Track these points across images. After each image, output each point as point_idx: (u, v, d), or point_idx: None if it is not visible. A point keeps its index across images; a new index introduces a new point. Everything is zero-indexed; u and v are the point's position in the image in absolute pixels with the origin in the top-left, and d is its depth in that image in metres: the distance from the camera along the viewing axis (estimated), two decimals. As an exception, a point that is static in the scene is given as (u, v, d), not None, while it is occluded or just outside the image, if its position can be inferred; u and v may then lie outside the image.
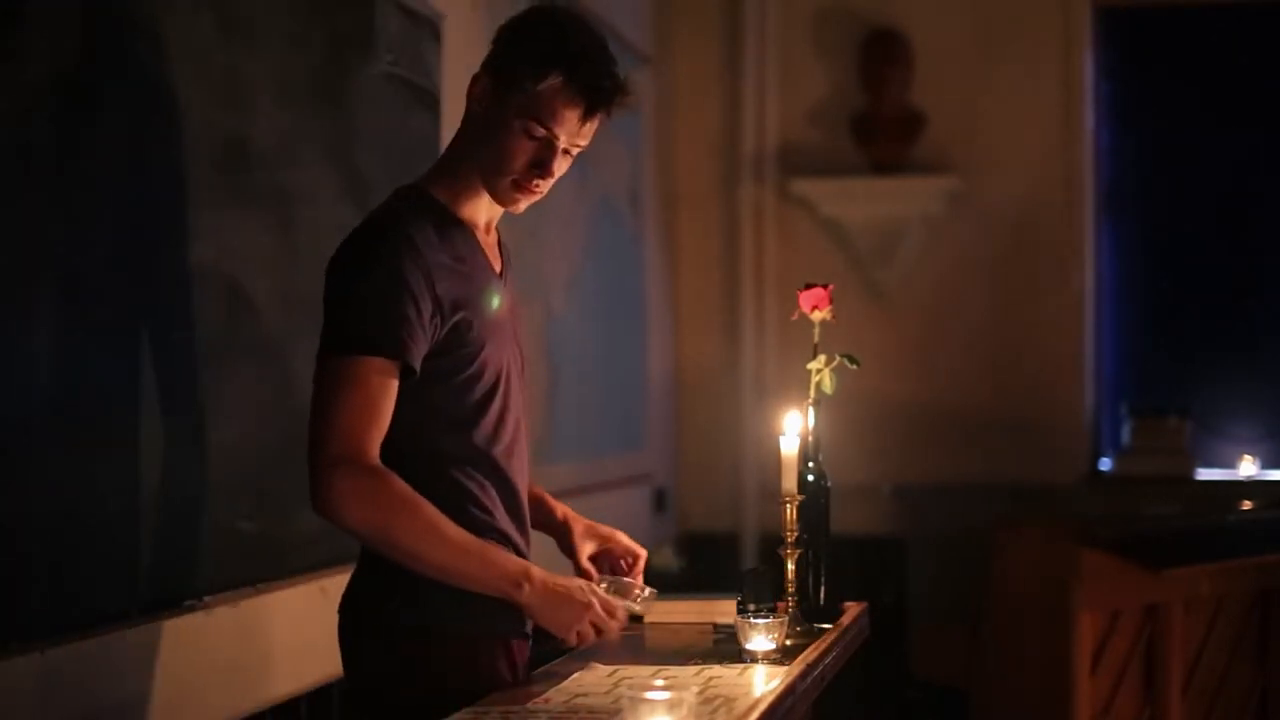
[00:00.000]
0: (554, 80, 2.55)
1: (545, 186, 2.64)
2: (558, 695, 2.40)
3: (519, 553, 2.69)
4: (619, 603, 2.66)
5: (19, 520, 2.55)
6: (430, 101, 3.97)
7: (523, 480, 2.76)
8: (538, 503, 2.89)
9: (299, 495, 3.33)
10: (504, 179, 2.61)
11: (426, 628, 2.57)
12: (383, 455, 2.51)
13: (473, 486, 2.63)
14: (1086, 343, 6.45)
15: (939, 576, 6.31)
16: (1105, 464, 6.50)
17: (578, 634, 2.58)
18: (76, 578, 2.71)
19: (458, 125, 2.71)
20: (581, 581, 2.68)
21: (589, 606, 2.58)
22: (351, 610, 2.66)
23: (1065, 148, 6.42)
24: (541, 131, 2.57)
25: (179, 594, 3.02)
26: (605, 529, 2.93)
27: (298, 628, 3.37)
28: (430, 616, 2.56)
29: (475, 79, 2.64)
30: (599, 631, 2.60)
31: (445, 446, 2.61)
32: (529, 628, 2.67)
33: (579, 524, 2.93)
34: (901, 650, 6.24)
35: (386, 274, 2.49)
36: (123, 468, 2.84)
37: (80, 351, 2.71)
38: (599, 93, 2.58)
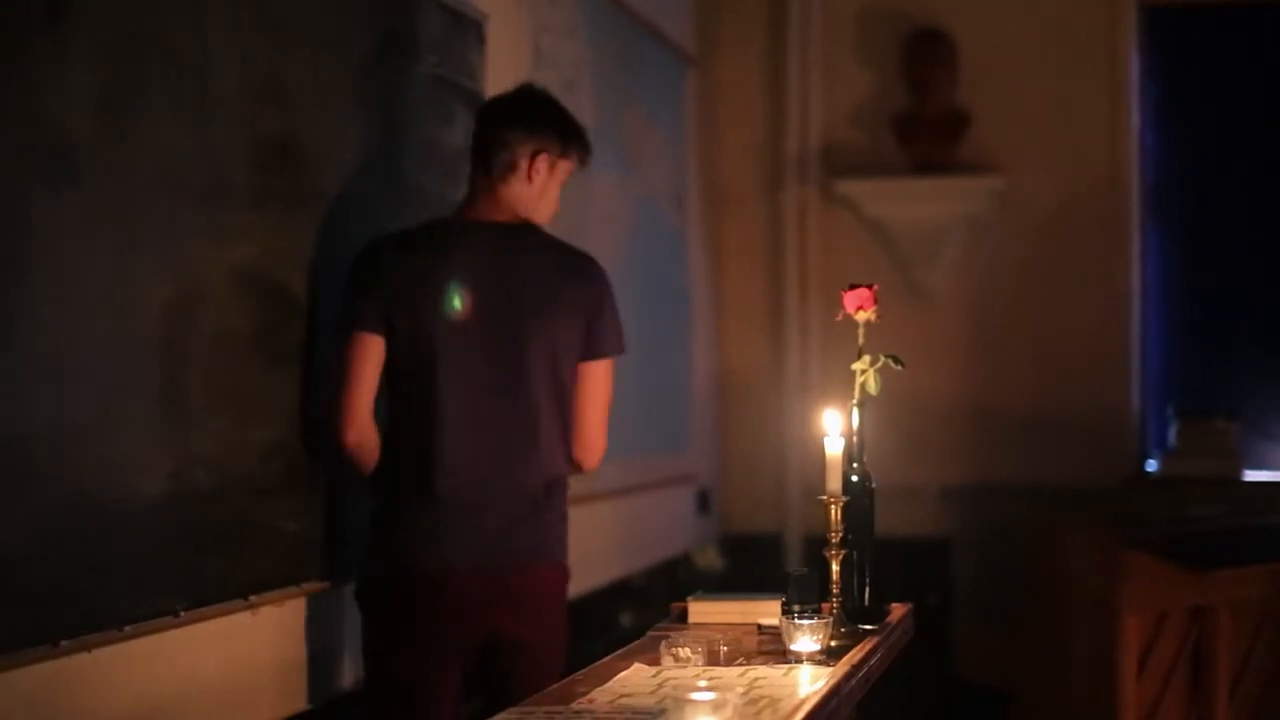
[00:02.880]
0: (578, 153, 3.50)
1: None
2: (602, 695, 2.40)
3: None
4: None
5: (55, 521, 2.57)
6: (473, 102, 3.97)
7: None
8: None
9: (338, 492, 3.35)
10: (548, 219, 3.51)
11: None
12: None
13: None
14: (1132, 343, 6.41)
15: (984, 578, 6.29)
16: (1152, 465, 6.47)
17: None
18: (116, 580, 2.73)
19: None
20: None
21: None
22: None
23: (1110, 147, 6.39)
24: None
25: (229, 593, 3.03)
26: None
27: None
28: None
29: (537, 156, 3.41)
30: None
31: None
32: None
33: None
34: (946, 651, 6.23)
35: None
36: (159, 469, 2.85)
37: (122, 349, 2.72)
38: (589, 149, 3.56)
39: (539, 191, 3.43)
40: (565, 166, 3.47)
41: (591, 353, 3.43)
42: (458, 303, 3.27)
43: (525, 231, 3.42)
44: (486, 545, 3.25)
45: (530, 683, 3.04)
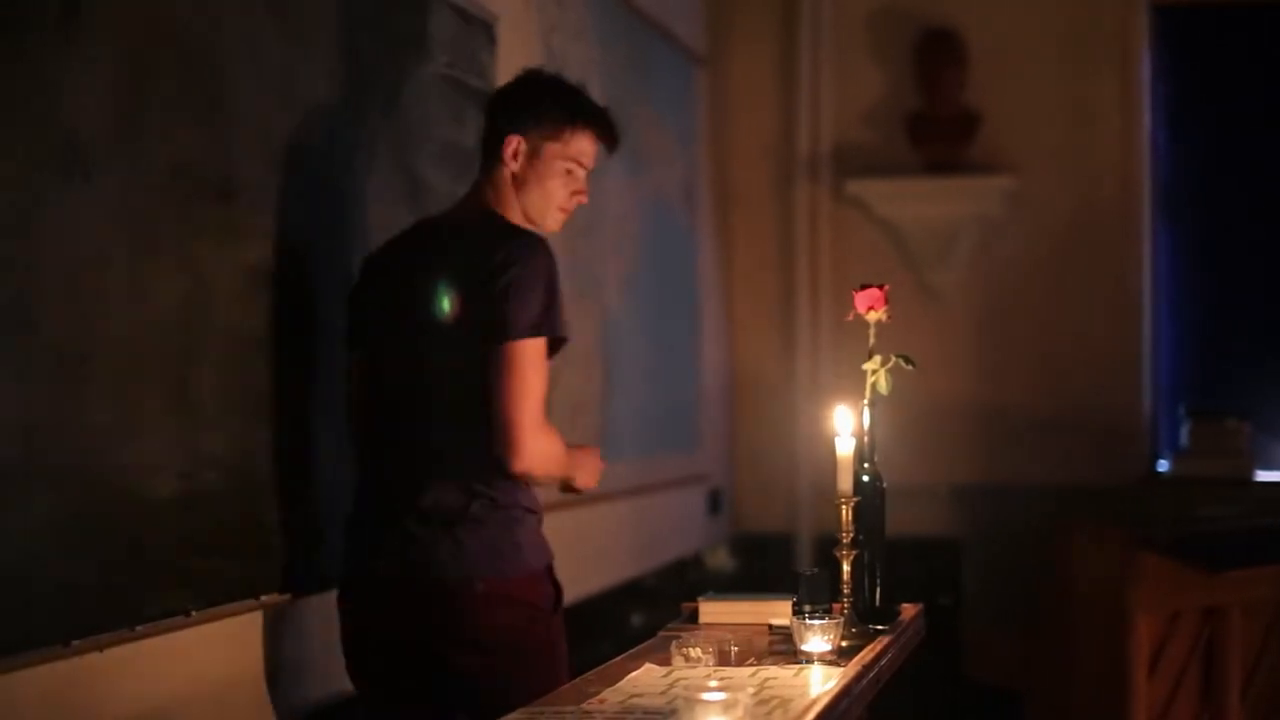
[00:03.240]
0: (586, 130, 3.23)
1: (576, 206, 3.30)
2: (613, 695, 2.40)
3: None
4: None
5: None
6: (484, 102, 3.97)
7: None
8: None
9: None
10: (552, 209, 3.24)
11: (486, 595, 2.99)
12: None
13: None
14: (1144, 344, 6.41)
15: (995, 578, 6.28)
16: (1163, 466, 6.46)
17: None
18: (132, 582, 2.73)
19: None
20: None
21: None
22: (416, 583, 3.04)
23: (1122, 148, 6.38)
24: (575, 167, 3.24)
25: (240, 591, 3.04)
26: None
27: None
28: (483, 585, 3.00)
29: (508, 140, 3.19)
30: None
31: None
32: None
33: None
34: (957, 652, 6.22)
35: (557, 275, 3.07)
36: (177, 469, 2.86)
37: (135, 348, 2.73)
38: (611, 128, 3.29)
39: (523, 179, 3.18)
40: (556, 150, 3.18)
41: (492, 338, 2.99)
42: (384, 310, 3.18)
43: (465, 225, 3.15)
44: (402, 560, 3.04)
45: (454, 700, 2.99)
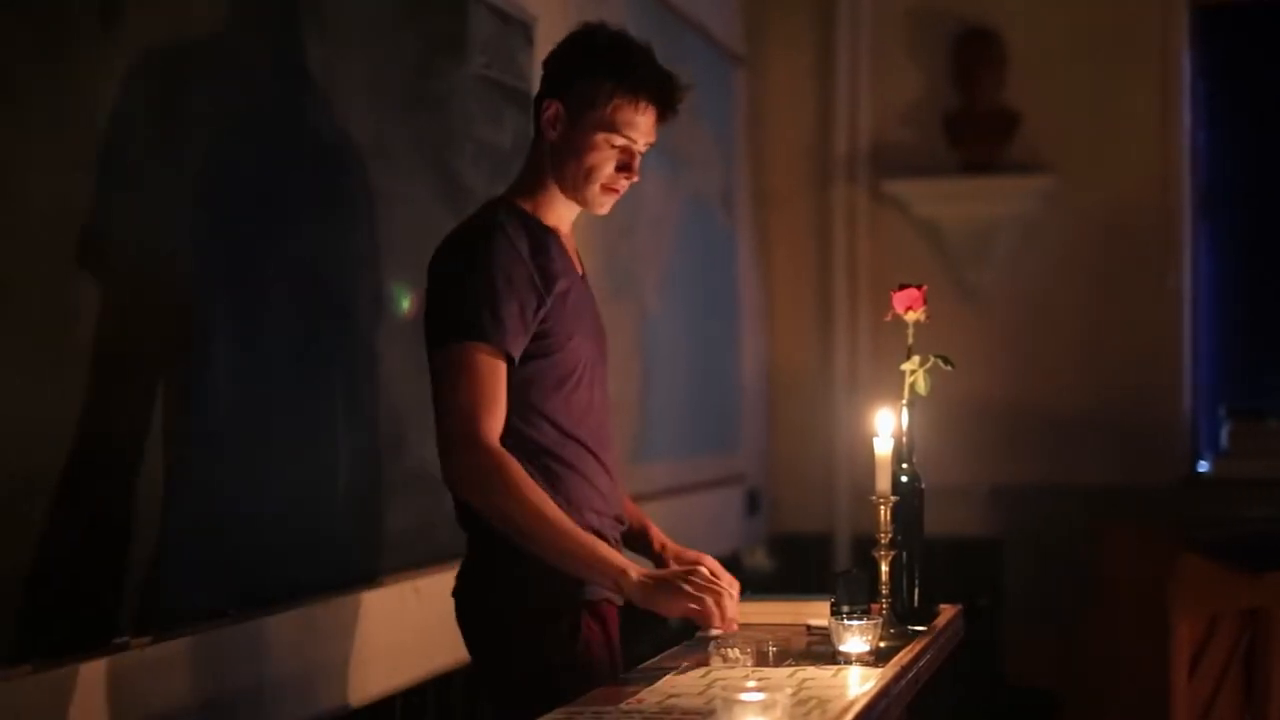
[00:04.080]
0: (627, 94, 2.79)
1: (627, 185, 2.88)
2: (651, 696, 2.40)
3: (608, 543, 2.82)
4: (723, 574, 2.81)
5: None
6: (523, 103, 3.98)
7: (616, 473, 2.94)
8: (640, 529, 3.08)
9: (389, 496, 3.37)
10: (594, 186, 2.84)
11: (528, 607, 2.75)
12: None
13: (566, 475, 2.81)
14: (1184, 344, 6.37)
15: (1034, 578, 6.26)
16: (1204, 466, 6.42)
17: (691, 607, 2.66)
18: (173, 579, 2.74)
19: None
20: (676, 568, 2.82)
21: (686, 579, 2.68)
22: (461, 595, 2.84)
23: (1162, 147, 6.35)
24: (622, 140, 2.82)
25: (279, 594, 3.04)
26: (692, 554, 3.03)
27: (391, 627, 3.40)
28: (531, 596, 2.74)
29: (545, 106, 2.84)
30: (717, 600, 2.66)
31: (537, 437, 2.79)
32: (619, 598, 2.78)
33: (671, 552, 3.07)
34: (996, 653, 6.20)
35: (490, 268, 2.70)
36: (213, 472, 2.87)
37: (180, 355, 2.74)
38: (667, 97, 2.84)
39: (561, 151, 2.83)
40: (596, 119, 2.80)
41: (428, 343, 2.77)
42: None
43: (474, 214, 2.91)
44: None
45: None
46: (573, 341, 2.82)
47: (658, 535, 3.11)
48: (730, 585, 2.78)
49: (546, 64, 2.89)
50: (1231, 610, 5.07)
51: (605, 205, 2.89)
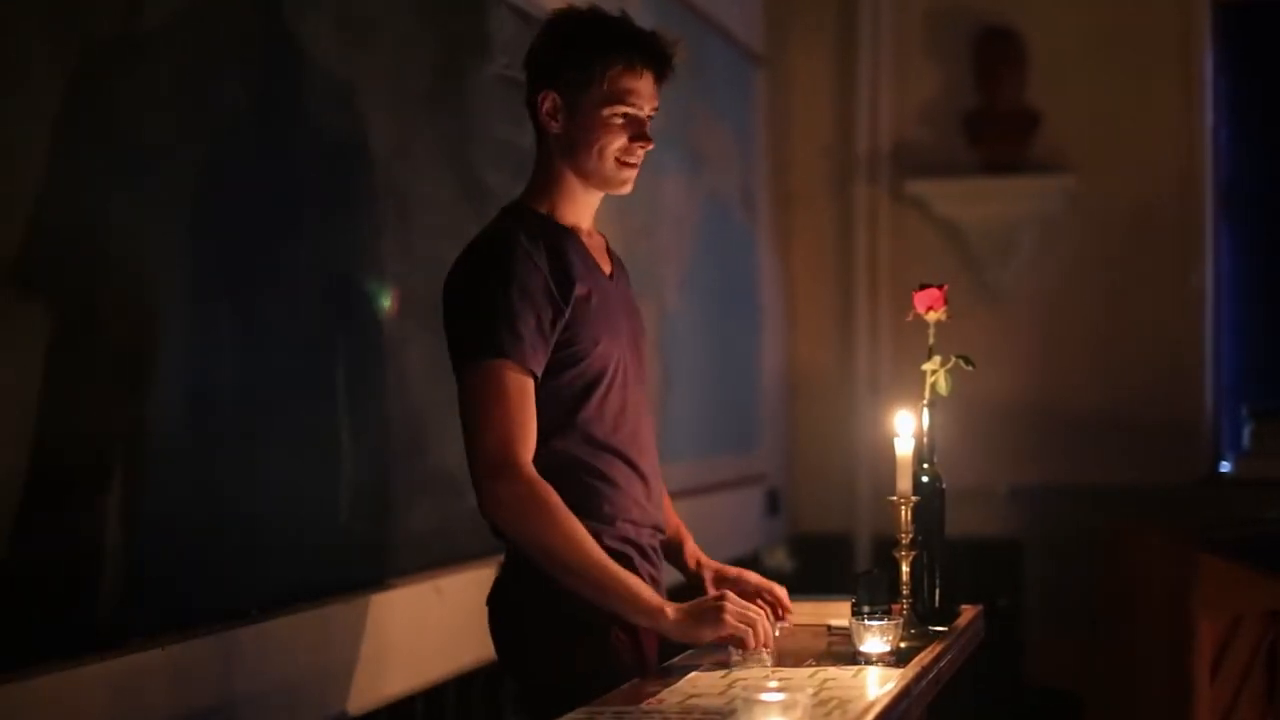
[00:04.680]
0: (621, 63, 2.75)
1: (643, 153, 2.82)
2: (671, 696, 2.40)
3: (645, 555, 2.82)
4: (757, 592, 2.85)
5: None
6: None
7: (655, 478, 2.91)
8: (678, 543, 3.07)
9: (410, 495, 3.37)
10: (608, 163, 2.79)
11: (561, 618, 2.71)
12: None
13: (599, 487, 2.76)
14: (1205, 343, 6.35)
15: (1055, 579, 6.24)
16: (1225, 466, 6.40)
17: (731, 632, 2.63)
18: (201, 578, 2.75)
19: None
20: (712, 594, 2.76)
21: (723, 607, 2.64)
22: (494, 604, 2.83)
23: (1183, 146, 6.33)
24: (627, 109, 2.77)
25: (298, 594, 3.05)
26: (733, 570, 3.03)
27: (413, 627, 3.40)
28: (565, 608, 2.69)
29: (541, 100, 2.79)
30: (751, 626, 2.63)
31: (569, 449, 2.75)
32: None
33: (709, 570, 3.05)
34: (1016, 654, 6.19)
35: (506, 282, 2.66)
36: (229, 473, 2.87)
37: (198, 352, 2.75)
38: (660, 56, 2.81)
39: (569, 140, 2.79)
40: (596, 97, 2.76)
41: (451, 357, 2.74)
42: None
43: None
44: None
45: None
46: (600, 345, 2.76)
47: (692, 550, 3.08)
48: (771, 592, 2.86)
49: (528, 62, 2.84)
50: (1254, 611, 5.06)
51: (628, 182, 2.84)
